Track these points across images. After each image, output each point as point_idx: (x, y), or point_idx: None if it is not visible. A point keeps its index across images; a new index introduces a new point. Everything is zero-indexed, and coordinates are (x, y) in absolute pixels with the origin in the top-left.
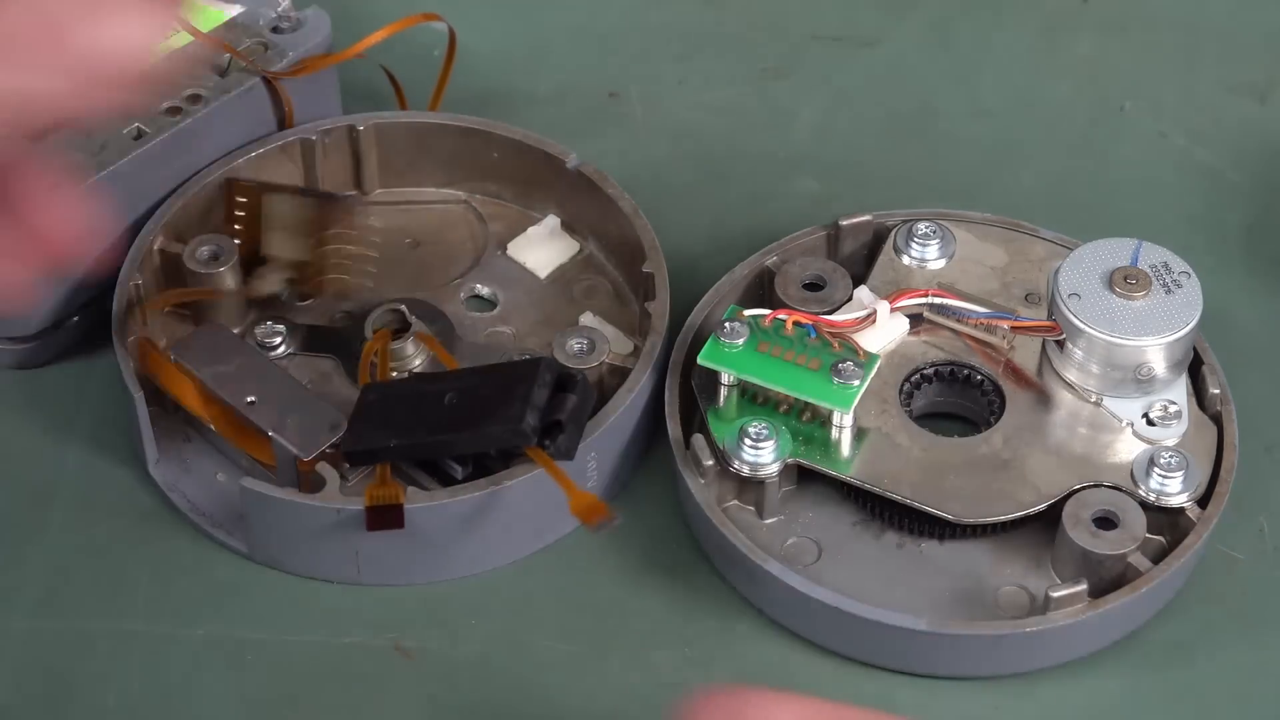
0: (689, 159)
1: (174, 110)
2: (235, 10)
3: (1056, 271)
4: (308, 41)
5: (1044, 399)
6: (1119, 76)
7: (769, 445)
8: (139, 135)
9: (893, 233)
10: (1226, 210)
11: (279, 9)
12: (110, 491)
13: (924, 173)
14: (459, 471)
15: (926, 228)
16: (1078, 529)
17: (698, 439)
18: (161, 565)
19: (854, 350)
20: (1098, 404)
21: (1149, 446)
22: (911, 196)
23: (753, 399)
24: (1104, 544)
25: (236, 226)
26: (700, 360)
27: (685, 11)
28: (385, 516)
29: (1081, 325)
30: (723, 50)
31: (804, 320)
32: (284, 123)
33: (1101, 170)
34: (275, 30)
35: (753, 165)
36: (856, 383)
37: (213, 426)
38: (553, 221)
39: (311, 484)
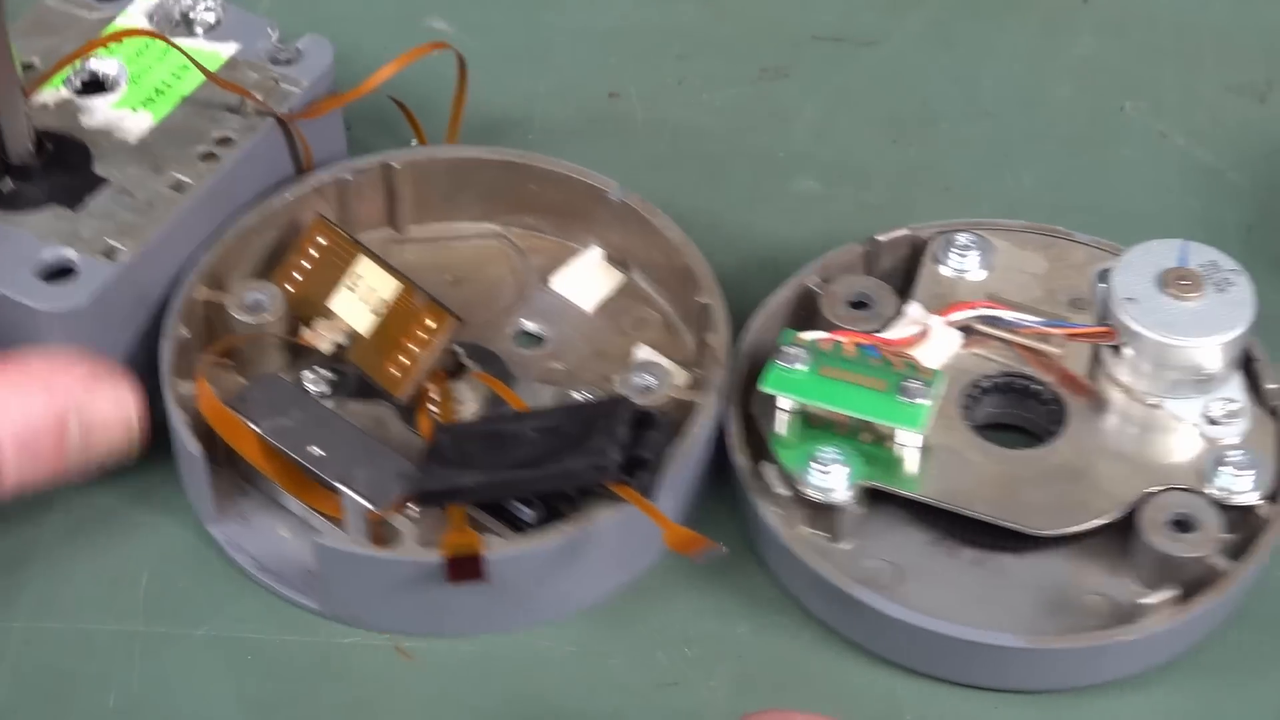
0: (689, 159)
1: (208, 156)
2: (230, 49)
3: (1108, 276)
4: (313, 71)
5: (1103, 405)
6: (1119, 76)
7: (839, 470)
8: (179, 186)
9: (930, 245)
10: (1226, 210)
11: (273, 40)
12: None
13: (924, 173)
14: (530, 516)
15: (966, 239)
16: (1156, 533)
17: (768, 467)
18: (161, 565)
19: (916, 368)
20: (1157, 406)
21: (1214, 445)
22: (912, 197)
23: (807, 421)
24: (1184, 546)
25: (305, 264)
26: (764, 387)
27: (685, 11)
28: (466, 568)
29: (1141, 330)
30: (723, 50)
31: (863, 341)
32: (301, 158)
33: (1101, 170)
34: (275, 62)
35: (753, 165)
36: (925, 401)
37: (276, 481)
38: (597, 253)
39: (383, 536)
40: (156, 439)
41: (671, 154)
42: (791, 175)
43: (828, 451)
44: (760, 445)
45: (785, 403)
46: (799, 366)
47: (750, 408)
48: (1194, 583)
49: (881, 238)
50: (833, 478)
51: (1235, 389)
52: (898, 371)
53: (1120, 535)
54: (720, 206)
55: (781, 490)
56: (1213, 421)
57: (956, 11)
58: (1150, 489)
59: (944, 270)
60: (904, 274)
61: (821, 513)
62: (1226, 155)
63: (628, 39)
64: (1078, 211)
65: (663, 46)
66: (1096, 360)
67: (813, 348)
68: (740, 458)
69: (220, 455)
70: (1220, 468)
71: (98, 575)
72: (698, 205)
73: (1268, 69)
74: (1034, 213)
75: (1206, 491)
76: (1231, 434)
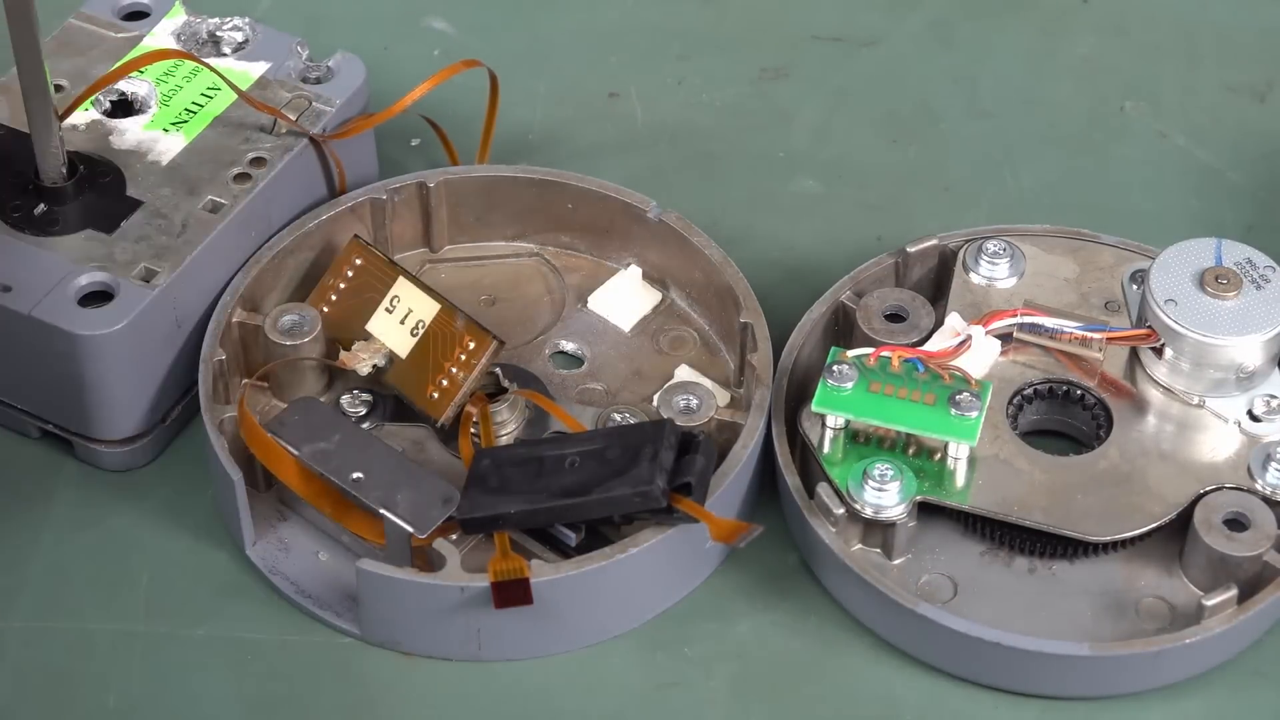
0: (689, 159)
1: (242, 177)
2: (260, 68)
3: (1143, 277)
4: (345, 90)
5: (1147, 408)
6: (1119, 76)
7: (894, 486)
8: (214, 208)
9: (960, 254)
10: (1226, 210)
11: (303, 58)
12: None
13: (924, 173)
14: (572, 539)
15: (995, 246)
16: (1212, 534)
17: (824, 488)
18: (161, 565)
19: (964, 380)
20: (1200, 405)
21: (1260, 442)
22: (912, 197)
23: (853, 438)
24: (1240, 546)
25: (342, 286)
26: (815, 407)
27: (685, 11)
28: (512, 592)
29: (1184, 331)
30: (723, 50)
31: (909, 354)
32: (335, 175)
33: (1101, 170)
34: (306, 80)
35: (753, 165)
36: (975, 414)
37: (315, 505)
38: (635, 272)
39: (426, 561)
40: (191, 464)
41: (671, 154)
42: (791, 175)
43: (884, 468)
44: (804, 463)
45: (832, 420)
46: (847, 384)
47: (795, 425)
48: (1251, 581)
49: (911, 249)
50: (888, 494)
51: (1276, 384)
52: (946, 385)
53: (1173, 537)
54: (721, 206)
55: (840, 510)
56: (1256, 418)
57: (956, 11)
58: (1202, 490)
59: (975, 278)
60: (933, 284)
61: (873, 529)
62: (1226, 155)
63: (628, 39)
64: (1077, 211)
65: (663, 46)
66: (1134, 362)
67: (860, 364)
68: (792, 479)
69: (260, 480)
70: (1270, 464)
71: (98, 575)
72: (697, 205)
73: (1268, 69)
74: (1034, 213)
75: (1258, 489)
76: (1275, 430)
